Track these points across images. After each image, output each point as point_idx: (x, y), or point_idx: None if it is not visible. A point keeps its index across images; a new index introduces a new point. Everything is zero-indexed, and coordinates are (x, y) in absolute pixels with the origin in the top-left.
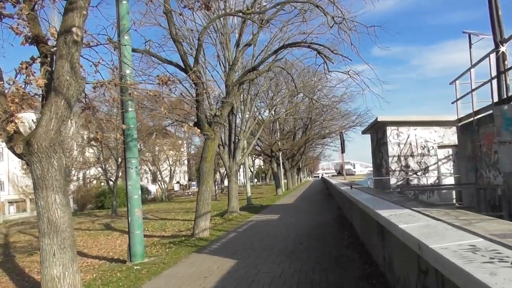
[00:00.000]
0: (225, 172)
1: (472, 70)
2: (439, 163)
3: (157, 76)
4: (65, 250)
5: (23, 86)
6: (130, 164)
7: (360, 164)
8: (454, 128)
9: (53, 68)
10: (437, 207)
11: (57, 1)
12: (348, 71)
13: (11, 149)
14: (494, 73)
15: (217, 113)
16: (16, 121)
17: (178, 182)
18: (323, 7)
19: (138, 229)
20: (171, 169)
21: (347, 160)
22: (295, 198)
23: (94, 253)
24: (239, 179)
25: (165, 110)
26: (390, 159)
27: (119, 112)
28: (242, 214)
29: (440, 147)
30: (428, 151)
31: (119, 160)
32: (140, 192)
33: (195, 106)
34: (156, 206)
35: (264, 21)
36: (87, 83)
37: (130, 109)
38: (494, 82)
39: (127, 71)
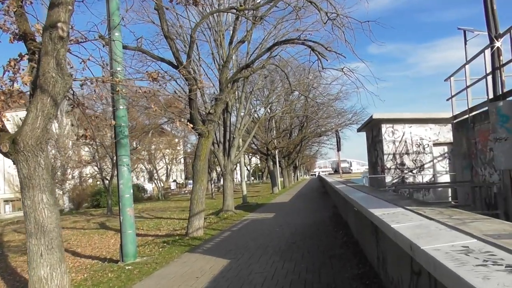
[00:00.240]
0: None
1: (467, 66)
2: (435, 161)
3: (147, 72)
4: (53, 251)
5: (9, 84)
6: (122, 162)
7: (357, 162)
8: (449, 126)
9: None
10: (431, 206)
11: None
12: (343, 68)
13: None
14: (489, 69)
15: (210, 111)
16: (3, 119)
17: (174, 181)
18: (316, 4)
19: (130, 228)
20: (167, 168)
21: (344, 158)
22: (291, 197)
23: (88, 253)
24: (236, 178)
25: (155, 107)
26: (385, 157)
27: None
28: (237, 213)
29: (436, 144)
30: (424, 148)
31: (115, 158)
32: (132, 190)
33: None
34: (152, 204)
35: (257, 18)
36: (74, 80)
37: (121, 107)
38: (489, 78)
39: (118, 68)
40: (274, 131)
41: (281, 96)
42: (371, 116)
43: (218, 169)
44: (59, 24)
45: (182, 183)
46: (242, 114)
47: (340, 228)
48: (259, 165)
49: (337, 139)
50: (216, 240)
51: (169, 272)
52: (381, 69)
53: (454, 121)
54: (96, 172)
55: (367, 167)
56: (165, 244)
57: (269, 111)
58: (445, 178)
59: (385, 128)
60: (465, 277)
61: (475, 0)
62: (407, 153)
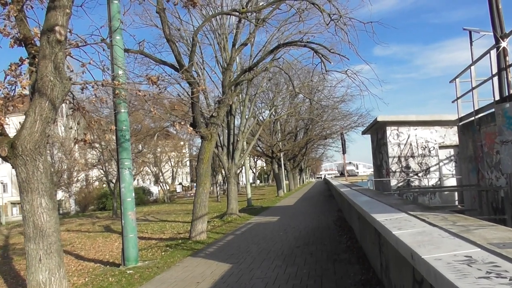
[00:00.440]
0: None
1: (472, 67)
2: (441, 164)
3: (146, 75)
4: (52, 255)
5: (9, 88)
6: (123, 165)
7: (363, 165)
8: (455, 128)
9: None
10: (435, 211)
11: (45, 1)
12: (346, 71)
13: None
14: (495, 70)
15: (213, 114)
16: (1, 122)
17: (180, 184)
18: (319, 5)
19: (131, 232)
20: (173, 171)
21: (350, 160)
22: (296, 200)
23: (91, 256)
24: (242, 180)
25: (154, 111)
26: (390, 160)
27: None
28: (241, 216)
29: (442, 147)
30: (429, 151)
31: None
32: (133, 194)
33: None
34: (157, 207)
35: (260, 20)
36: (73, 84)
37: (122, 110)
38: (496, 79)
39: (120, 72)
40: (279, 134)
41: (286, 98)
42: (376, 119)
43: (223, 171)
44: (56, 28)
45: (188, 186)
46: (246, 116)
47: (345, 233)
48: (264, 167)
49: (342, 142)
50: (219, 244)
51: (170, 277)
52: (387, 71)
53: (460, 123)
54: (102, 175)
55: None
56: (167, 248)
57: (274, 113)
58: (452, 182)
59: (390, 131)
60: None
61: (482, 0)
62: (412, 156)
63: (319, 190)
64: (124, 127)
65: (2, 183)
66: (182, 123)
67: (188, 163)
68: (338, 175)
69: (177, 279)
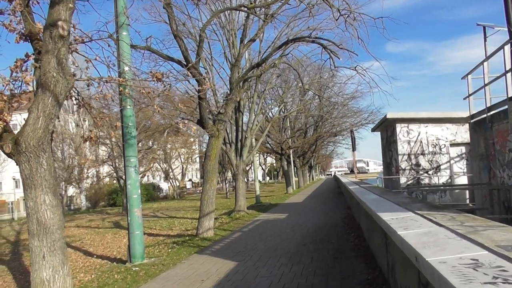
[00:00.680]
0: None
1: (485, 63)
2: (452, 161)
3: (151, 72)
4: (55, 253)
5: (13, 85)
6: (129, 162)
7: (374, 162)
8: (467, 126)
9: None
10: (443, 211)
11: None
12: (356, 67)
13: (0, 148)
14: (508, 66)
15: (221, 111)
16: (6, 119)
17: (190, 180)
18: (329, 0)
19: (137, 229)
20: (183, 167)
21: (361, 158)
22: (305, 197)
23: (99, 252)
24: (251, 177)
25: (157, 107)
26: (400, 157)
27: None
28: (249, 213)
29: (453, 145)
30: (440, 149)
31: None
32: (139, 191)
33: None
34: (167, 204)
35: (268, 15)
36: (77, 80)
37: (128, 107)
38: (509, 75)
39: (126, 68)
40: (289, 131)
41: (295, 95)
42: (385, 116)
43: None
44: (59, 23)
45: (198, 182)
46: (254, 113)
47: (353, 231)
48: (274, 164)
49: (352, 139)
50: (226, 241)
51: (175, 274)
52: (399, 68)
53: (472, 121)
54: (112, 171)
55: None
56: (174, 244)
57: (283, 110)
58: (463, 180)
59: (400, 128)
60: None
61: None
62: (423, 154)
63: (329, 187)
64: (130, 124)
65: (14, 179)
66: (186, 121)
67: (198, 159)
68: (348, 172)
69: (182, 276)
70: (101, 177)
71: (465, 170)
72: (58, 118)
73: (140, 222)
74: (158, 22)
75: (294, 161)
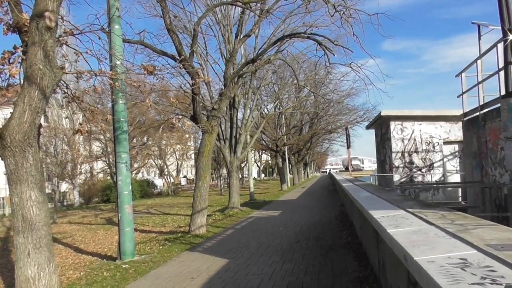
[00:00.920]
0: None
1: (479, 61)
2: (445, 159)
3: (142, 64)
4: (41, 250)
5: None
6: (120, 158)
7: (369, 159)
8: (460, 123)
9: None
10: (434, 209)
11: None
12: (350, 64)
13: None
14: (501, 64)
15: (214, 107)
16: None
17: (185, 176)
18: None
19: (128, 226)
20: (178, 163)
21: (356, 155)
22: (299, 194)
23: (90, 249)
24: (246, 174)
25: (149, 101)
26: (393, 155)
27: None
28: (243, 210)
29: (446, 143)
30: (433, 147)
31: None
32: (130, 187)
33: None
34: (161, 200)
35: (264, 11)
36: (66, 73)
37: (120, 101)
38: (502, 73)
39: (118, 62)
40: (284, 128)
41: (291, 92)
42: (380, 113)
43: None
44: (46, 14)
45: (192, 179)
46: (249, 109)
47: (345, 228)
48: (269, 161)
49: (347, 136)
50: (218, 238)
51: (165, 272)
52: (396, 66)
53: (465, 119)
54: (106, 167)
55: None
56: (166, 241)
57: (279, 107)
58: (456, 178)
59: (394, 126)
60: None
61: None
62: (416, 152)
63: (323, 184)
64: (121, 119)
65: (5, 174)
66: (180, 117)
67: (193, 156)
68: (343, 169)
69: (172, 274)
70: (95, 173)
71: (458, 168)
72: (45, 112)
73: (131, 219)
74: (152, 16)
75: (289, 158)
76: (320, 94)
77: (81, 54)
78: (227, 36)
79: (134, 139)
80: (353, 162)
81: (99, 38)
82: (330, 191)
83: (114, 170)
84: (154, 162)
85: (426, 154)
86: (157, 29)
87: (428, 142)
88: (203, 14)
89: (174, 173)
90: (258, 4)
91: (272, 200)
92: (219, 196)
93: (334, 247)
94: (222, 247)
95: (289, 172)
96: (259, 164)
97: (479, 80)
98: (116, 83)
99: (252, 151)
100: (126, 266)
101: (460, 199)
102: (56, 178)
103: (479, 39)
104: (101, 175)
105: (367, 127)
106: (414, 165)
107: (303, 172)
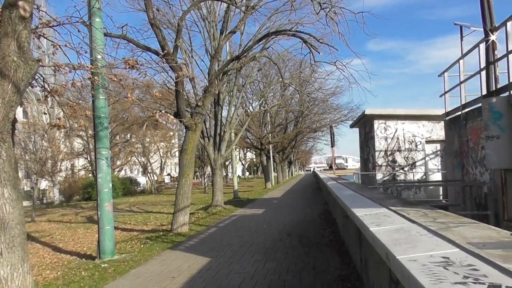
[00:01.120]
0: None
1: (461, 61)
2: (427, 158)
3: (123, 58)
4: (14, 249)
5: None
6: (100, 155)
7: (353, 158)
8: (442, 123)
9: None
10: (416, 207)
11: None
12: (335, 62)
13: None
14: (483, 64)
15: (198, 103)
16: None
17: (169, 174)
18: None
19: (108, 224)
20: (161, 161)
21: (340, 154)
22: (283, 192)
23: (69, 248)
24: (230, 172)
25: (132, 96)
26: (377, 153)
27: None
28: (227, 208)
29: (428, 142)
30: (416, 146)
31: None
32: (111, 185)
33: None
34: (144, 198)
35: (249, 7)
36: (42, 66)
37: (101, 97)
38: (484, 73)
39: (98, 56)
40: (269, 126)
41: (276, 90)
42: (364, 112)
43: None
44: (20, 3)
45: (176, 177)
46: (234, 107)
47: (329, 226)
48: (254, 160)
49: (331, 135)
50: (201, 236)
51: (146, 271)
52: (380, 66)
53: (447, 118)
54: (87, 164)
55: None
56: (147, 240)
57: (264, 104)
58: (437, 176)
59: (378, 124)
60: None
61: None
62: (399, 150)
63: (307, 182)
64: (102, 114)
65: None
66: (163, 111)
67: (177, 153)
68: (327, 168)
69: (153, 273)
70: (76, 170)
71: (439, 167)
72: (24, 108)
73: (111, 217)
74: (136, 11)
75: (273, 157)
76: (305, 92)
77: (60, 47)
78: (212, 33)
79: (117, 136)
80: (337, 161)
81: (79, 31)
82: (314, 189)
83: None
84: (138, 160)
85: (409, 153)
86: (140, 23)
87: (411, 141)
88: (188, 8)
89: (157, 171)
90: (244, 1)
91: (256, 198)
92: (203, 194)
93: (317, 245)
94: (205, 246)
95: (274, 171)
96: (243, 162)
97: (461, 80)
98: (96, 78)
99: (237, 149)
100: (105, 265)
101: (441, 197)
102: (35, 175)
103: (461, 39)
104: (82, 172)
105: (351, 126)
106: (397, 164)
107: (287, 170)
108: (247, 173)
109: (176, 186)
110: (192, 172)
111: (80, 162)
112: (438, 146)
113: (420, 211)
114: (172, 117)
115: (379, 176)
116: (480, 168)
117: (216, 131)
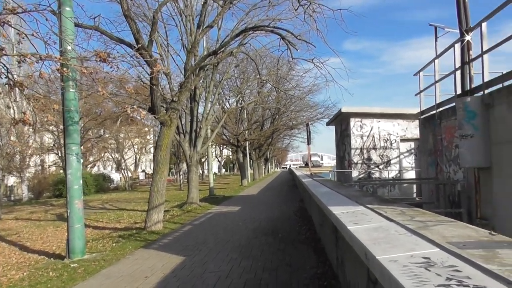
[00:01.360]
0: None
1: (436, 61)
2: (401, 156)
3: (95, 51)
4: None
5: None
6: (70, 150)
7: (328, 156)
8: (417, 122)
9: None
10: (393, 205)
11: None
12: (313, 59)
13: None
14: (458, 64)
15: (174, 99)
16: None
17: (143, 171)
18: None
19: (78, 222)
20: (136, 157)
21: (316, 151)
22: (259, 189)
23: (37, 247)
24: (206, 169)
25: (102, 90)
26: (352, 151)
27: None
28: (202, 206)
29: (403, 140)
30: (391, 144)
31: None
32: (81, 181)
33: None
34: (117, 195)
35: (227, 2)
36: (5, 55)
37: (71, 89)
38: (458, 73)
39: (68, 47)
40: (246, 123)
41: (253, 87)
42: (340, 110)
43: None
44: None
45: (151, 173)
46: (210, 103)
47: (305, 224)
48: (230, 157)
49: (307, 133)
50: (175, 234)
51: (117, 271)
52: (357, 65)
53: (421, 117)
54: (58, 160)
55: None
56: (120, 238)
57: (241, 101)
58: (411, 174)
59: (354, 122)
60: None
61: (451, 2)
62: (374, 148)
63: (283, 180)
64: (72, 108)
65: None
66: (135, 106)
67: (152, 150)
68: (303, 165)
69: (125, 273)
70: (46, 166)
71: (413, 165)
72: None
73: (81, 215)
74: (109, 2)
75: (250, 154)
76: (283, 89)
77: (26, 35)
78: (189, 27)
79: (90, 131)
80: (313, 158)
81: (47, 20)
82: (290, 186)
83: None
84: (111, 156)
85: (384, 151)
86: (114, 15)
87: (386, 139)
88: (164, 0)
89: (132, 167)
90: None
91: (232, 196)
92: (178, 191)
93: (293, 243)
94: (179, 244)
95: (250, 168)
96: (219, 159)
97: (436, 79)
98: (66, 69)
99: (213, 146)
100: (75, 265)
101: (415, 195)
102: (1, 171)
103: (436, 40)
104: (53, 168)
105: (328, 124)
106: (372, 162)
107: (263, 167)
108: (223, 170)
109: (151, 183)
110: (167, 169)
111: (51, 158)
112: (413, 144)
113: (397, 209)
114: (144, 112)
115: (354, 173)
116: (453, 167)
117: (192, 127)
